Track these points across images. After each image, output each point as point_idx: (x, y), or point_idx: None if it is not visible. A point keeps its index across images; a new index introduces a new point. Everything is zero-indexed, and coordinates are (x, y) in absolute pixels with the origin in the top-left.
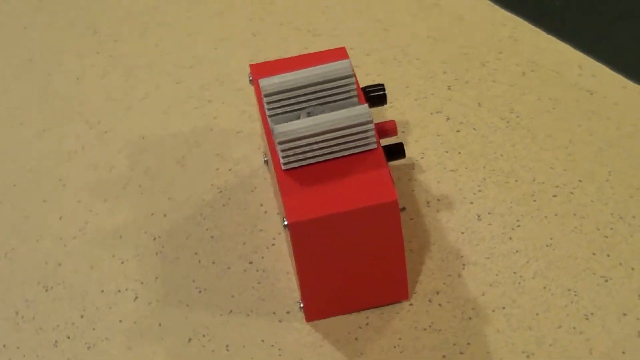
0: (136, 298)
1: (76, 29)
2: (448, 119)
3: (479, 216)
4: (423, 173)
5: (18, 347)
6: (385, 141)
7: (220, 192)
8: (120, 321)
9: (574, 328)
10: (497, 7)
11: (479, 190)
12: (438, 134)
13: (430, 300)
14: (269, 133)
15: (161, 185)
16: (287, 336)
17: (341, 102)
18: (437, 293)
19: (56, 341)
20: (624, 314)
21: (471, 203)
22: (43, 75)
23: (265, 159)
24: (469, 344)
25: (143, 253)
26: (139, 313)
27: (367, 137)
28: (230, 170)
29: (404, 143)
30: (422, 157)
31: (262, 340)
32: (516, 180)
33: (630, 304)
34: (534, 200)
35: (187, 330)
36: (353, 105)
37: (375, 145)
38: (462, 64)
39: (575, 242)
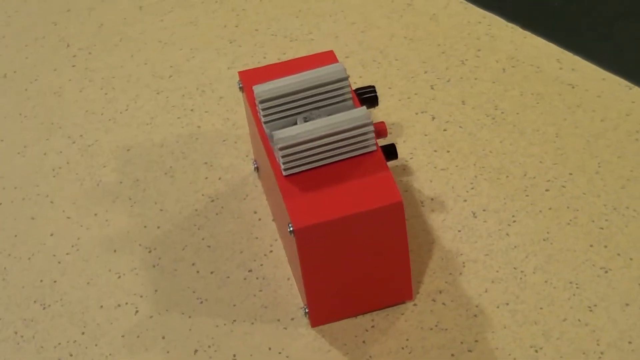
0: (137, 312)
1: (48, 43)
2: (434, 118)
3: (474, 213)
4: (414, 173)
5: None
6: None
7: (212, 201)
8: (123, 336)
9: (579, 320)
10: (470, 5)
11: (472, 188)
12: (425, 134)
13: (434, 300)
14: (264, 139)
15: (151, 197)
16: (293, 343)
17: (336, 105)
18: (440, 292)
19: (59, 359)
20: (627, 304)
21: (465, 201)
22: (19, 91)
23: (256, 165)
24: (476, 341)
25: (140, 266)
26: (142, 327)
27: (366, 140)
28: (220, 179)
29: None
30: (411, 158)
31: (269, 348)
32: (507, 176)
33: (632, 294)
34: (527, 195)
35: (192, 342)
36: (348, 108)
37: (374, 147)
38: (442, 63)
39: (572, 235)
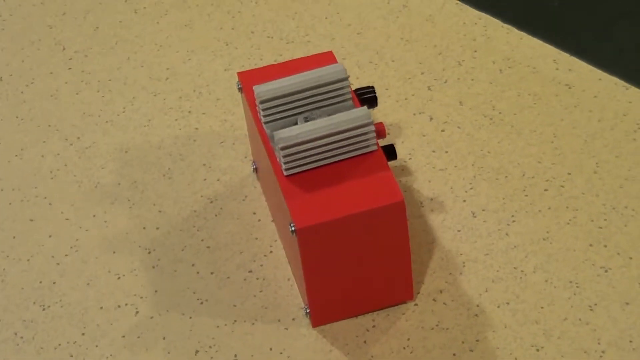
0: (137, 312)
1: (44, 46)
2: (431, 119)
3: (473, 213)
4: (413, 174)
5: None
6: None
7: (211, 202)
8: (124, 337)
9: (580, 319)
10: (465, 6)
11: (471, 188)
12: (423, 134)
13: (434, 300)
14: (265, 139)
15: (150, 198)
16: (295, 343)
17: (336, 105)
18: (441, 292)
19: None
20: (627, 303)
21: (464, 201)
22: (16, 94)
23: (255, 166)
24: (477, 340)
25: (139, 267)
26: (142, 327)
27: (367, 139)
28: (218, 180)
29: None
30: (410, 158)
31: (270, 349)
32: (506, 176)
33: (632, 293)
34: (526, 195)
35: (193, 343)
36: (348, 108)
37: (375, 147)
38: (438, 64)
39: (571, 235)
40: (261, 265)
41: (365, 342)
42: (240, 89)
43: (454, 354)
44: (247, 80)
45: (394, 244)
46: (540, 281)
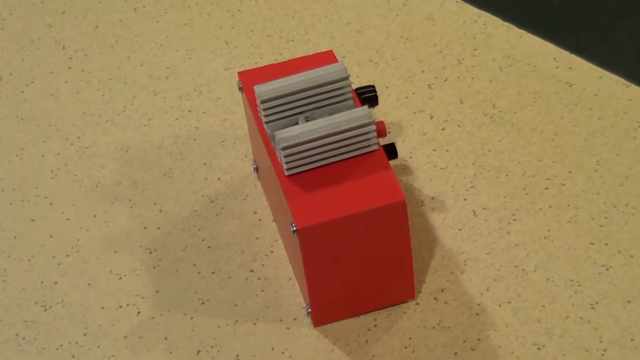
0: (139, 313)
1: (44, 45)
2: (432, 117)
3: (474, 212)
4: (414, 172)
5: None
6: None
7: (212, 202)
8: (125, 337)
9: (581, 318)
10: (465, 5)
11: (472, 187)
12: (424, 133)
13: (436, 299)
14: (265, 139)
15: (151, 198)
16: (296, 343)
17: (337, 105)
18: (442, 291)
19: None
20: (629, 301)
21: (465, 200)
22: (16, 93)
23: (255, 166)
24: (479, 339)
25: (140, 267)
26: (144, 328)
27: (368, 139)
28: (219, 179)
29: None
30: (410, 157)
31: (272, 349)
32: (507, 175)
33: (633, 291)
34: (527, 194)
35: (195, 343)
36: (349, 107)
37: (376, 147)
38: (438, 63)
39: (572, 233)
40: (262, 265)
41: (366, 341)
42: (240, 89)
43: (456, 353)
44: (248, 79)
45: (396, 243)
46: (542, 280)
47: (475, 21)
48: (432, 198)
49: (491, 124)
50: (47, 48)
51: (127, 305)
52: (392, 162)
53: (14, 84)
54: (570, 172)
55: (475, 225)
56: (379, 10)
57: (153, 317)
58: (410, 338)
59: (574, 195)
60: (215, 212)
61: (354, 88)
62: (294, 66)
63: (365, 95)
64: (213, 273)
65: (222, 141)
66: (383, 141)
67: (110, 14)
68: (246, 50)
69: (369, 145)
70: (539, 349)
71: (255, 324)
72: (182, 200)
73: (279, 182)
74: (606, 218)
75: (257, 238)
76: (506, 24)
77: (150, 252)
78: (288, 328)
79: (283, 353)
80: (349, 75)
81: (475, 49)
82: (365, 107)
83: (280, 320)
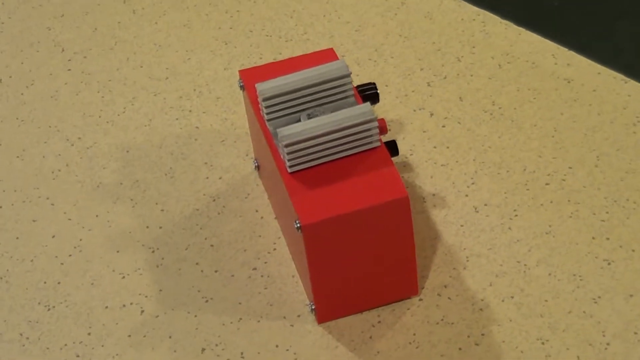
0: (142, 312)
1: (43, 47)
2: (432, 114)
3: (475, 208)
4: (414, 169)
5: None
6: None
7: (214, 200)
8: (129, 336)
9: (584, 312)
10: (463, 3)
11: (473, 183)
12: (424, 130)
13: (439, 294)
14: (268, 137)
15: (152, 197)
16: (301, 340)
17: (339, 102)
18: (445, 287)
19: None
20: (631, 295)
21: (466, 196)
22: (16, 95)
23: (257, 164)
24: (483, 335)
25: (143, 266)
26: (148, 326)
27: (370, 136)
28: (220, 178)
29: None
30: (411, 154)
31: (277, 346)
32: (507, 171)
33: (635, 285)
34: (528, 190)
35: (199, 341)
36: (350, 104)
37: (378, 143)
38: (437, 60)
39: (574, 228)
40: (265, 263)
41: (371, 337)
42: (242, 87)
43: (460, 348)
44: (249, 78)
45: (399, 239)
46: (544, 275)
47: (473, 19)
48: (434, 195)
49: (491, 121)
50: (47, 50)
51: (131, 304)
52: (393, 159)
53: (14, 87)
54: (570, 167)
55: (477, 222)
56: (377, 9)
57: (157, 316)
58: (414, 334)
59: (575, 191)
60: (217, 211)
61: (354, 85)
62: (295, 64)
63: (367, 93)
64: (216, 271)
65: (223, 140)
66: (384, 138)
67: (109, 16)
68: (245, 50)
69: (371, 142)
70: (543, 343)
71: (259, 321)
72: (184, 200)
73: (282, 179)
74: (607, 213)
75: (260, 236)
76: (504, 21)
77: (153, 251)
78: (292, 325)
79: (287, 350)
80: (351, 73)
81: (474, 47)
82: (367, 103)
83: (284, 317)
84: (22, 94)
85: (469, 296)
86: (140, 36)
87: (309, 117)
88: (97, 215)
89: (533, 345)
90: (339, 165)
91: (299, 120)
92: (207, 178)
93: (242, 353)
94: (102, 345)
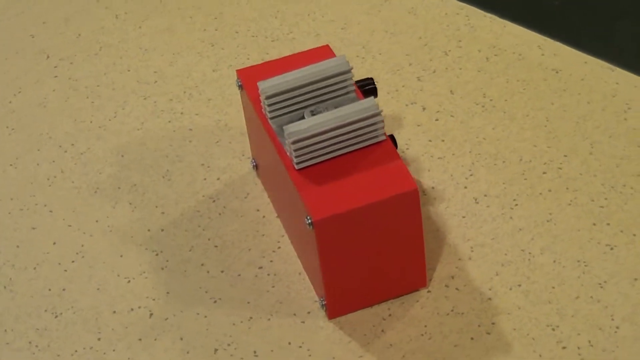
0: (151, 315)
1: (28, 55)
2: (424, 109)
3: (476, 199)
4: (412, 163)
5: None
6: None
7: (214, 201)
8: (140, 339)
9: (591, 297)
10: None
11: (471, 175)
12: (418, 124)
13: (447, 286)
14: (272, 135)
15: (151, 201)
16: (313, 336)
17: (340, 98)
18: (452, 278)
19: None
20: (636, 279)
21: (465, 188)
22: (4, 104)
23: (254, 163)
24: (493, 323)
25: (148, 270)
26: (158, 329)
27: (376, 130)
28: (218, 179)
29: None
30: (407, 149)
31: (289, 343)
32: (504, 162)
33: (639, 269)
34: (525, 179)
35: (211, 341)
36: (352, 100)
37: (384, 137)
38: (425, 55)
39: (574, 215)
40: (271, 261)
41: (382, 330)
42: (240, 87)
43: (472, 338)
44: (247, 77)
45: (408, 231)
46: (549, 262)
47: (457, 13)
48: (433, 188)
49: (483, 113)
50: (32, 58)
51: (139, 307)
52: None
53: (1, 95)
54: (565, 155)
55: (478, 212)
56: (361, 7)
57: (166, 318)
58: (425, 325)
59: (572, 179)
60: (217, 212)
61: (356, 80)
62: (292, 62)
63: (366, 87)
64: (222, 272)
65: (218, 141)
66: None
67: (92, 21)
68: (232, 51)
69: (376, 136)
70: (553, 329)
71: (269, 319)
72: (184, 202)
73: (289, 176)
74: (605, 199)
75: (263, 235)
76: (489, 15)
77: (156, 254)
78: (303, 322)
79: (300, 347)
80: (352, 68)
81: (460, 41)
82: (372, 98)
83: (294, 314)
84: (10, 102)
85: (476, 286)
86: (125, 41)
87: (313, 113)
88: (97, 221)
89: (544, 331)
90: (346, 161)
91: (302, 117)
92: (205, 179)
93: (255, 352)
94: (114, 350)
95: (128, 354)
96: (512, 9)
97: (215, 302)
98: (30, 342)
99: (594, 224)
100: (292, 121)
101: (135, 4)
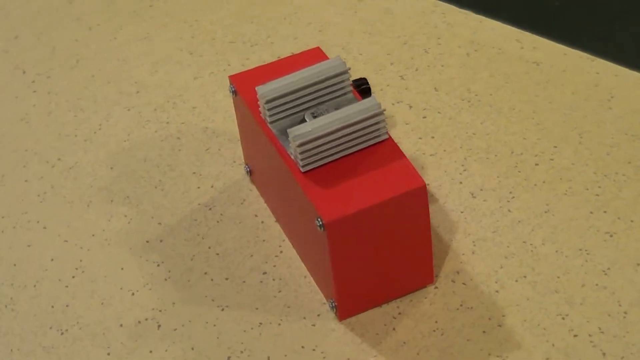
0: (159, 326)
1: (4, 71)
2: (411, 107)
3: (472, 194)
4: None
5: None
6: None
7: (210, 209)
8: (151, 351)
9: (597, 284)
10: None
11: (464, 170)
12: (406, 123)
13: (453, 281)
14: (273, 139)
15: (147, 212)
16: (325, 339)
17: (339, 98)
18: (458, 273)
19: None
20: (638, 264)
21: (461, 183)
22: None
23: (248, 169)
24: (504, 316)
25: (151, 281)
26: (168, 340)
27: (379, 129)
28: (212, 187)
29: None
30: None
31: (302, 347)
32: (496, 155)
33: None
34: (519, 171)
35: (223, 350)
36: (350, 100)
37: (387, 136)
38: (406, 54)
39: (571, 205)
40: (274, 266)
41: (394, 329)
42: (234, 92)
43: (484, 331)
44: (241, 82)
45: (417, 228)
46: (551, 252)
47: (433, 11)
48: (428, 184)
49: (470, 108)
50: (8, 73)
51: (146, 320)
52: None
53: None
54: (556, 146)
55: (477, 207)
56: (336, 9)
57: (175, 329)
58: (436, 321)
59: (565, 169)
60: (215, 219)
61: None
62: (284, 65)
63: (362, 87)
64: (227, 279)
65: (207, 149)
66: None
67: (65, 34)
68: (212, 58)
69: (379, 135)
70: (563, 318)
71: (279, 324)
72: (180, 211)
73: (294, 179)
74: (600, 187)
75: (264, 240)
76: (464, 11)
77: (158, 265)
78: (314, 325)
79: (314, 350)
80: (349, 69)
81: (439, 38)
82: (373, 97)
83: (304, 318)
84: None
85: (482, 280)
86: (102, 52)
87: (314, 115)
88: (93, 235)
89: (554, 321)
90: (351, 161)
91: (303, 120)
92: (199, 187)
93: (269, 357)
94: None
95: None
96: (486, 4)
97: (222, 310)
98: None
99: (591, 212)
100: (292, 124)
101: (107, 15)
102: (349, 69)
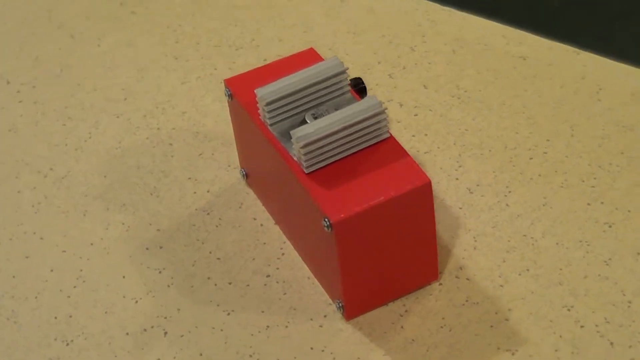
0: (166, 333)
1: None
2: (401, 105)
3: (469, 190)
4: None
5: None
6: None
7: (208, 214)
8: (159, 359)
9: (599, 275)
10: None
11: (460, 166)
12: (398, 121)
13: (457, 277)
14: (274, 142)
15: (144, 219)
16: (333, 339)
17: (337, 98)
18: (461, 268)
19: None
20: (638, 253)
21: (457, 179)
22: None
23: (244, 173)
24: (510, 310)
25: (154, 288)
26: (175, 347)
27: (380, 128)
28: (208, 191)
29: None
30: None
31: (311, 348)
32: (490, 150)
33: None
34: (514, 166)
35: (232, 354)
36: (349, 100)
37: (388, 134)
38: (392, 52)
39: (567, 197)
40: (277, 269)
41: (402, 327)
42: (230, 96)
43: (492, 326)
44: (237, 85)
45: (422, 225)
46: (552, 245)
47: (415, 9)
48: None
49: (460, 105)
50: None
51: (152, 327)
52: None
53: None
54: (548, 140)
55: (474, 202)
56: (319, 10)
57: (182, 335)
58: (443, 318)
59: (559, 162)
60: (214, 224)
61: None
62: (280, 67)
63: (358, 87)
64: (230, 283)
65: (200, 154)
66: None
67: (47, 43)
68: (198, 62)
69: (381, 134)
70: (569, 310)
71: (287, 327)
72: (177, 217)
73: (298, 181)
74: (595, 179)
75: (265, 243)
76: (446, 8)
77: (159, 272)
78: (321, 326)
79: (323, 351)
80: (347, 69)
81: (423, 36)
82: (374, 96)
83: (311, 319)
84: None
85: (486, 274)
86: (86, 59)
87: (315, 116)
88: (91, 244)
89: (560, 312)
90: (353, 160)
91: (304, 121)
92: (195, 193)
93: None
94: None
95: None
96: (469, 1)
97: (228, 314)
98: None
99: (589, 204)
100: (293, 126)
101: (89, 22)
102: (347, 68)
